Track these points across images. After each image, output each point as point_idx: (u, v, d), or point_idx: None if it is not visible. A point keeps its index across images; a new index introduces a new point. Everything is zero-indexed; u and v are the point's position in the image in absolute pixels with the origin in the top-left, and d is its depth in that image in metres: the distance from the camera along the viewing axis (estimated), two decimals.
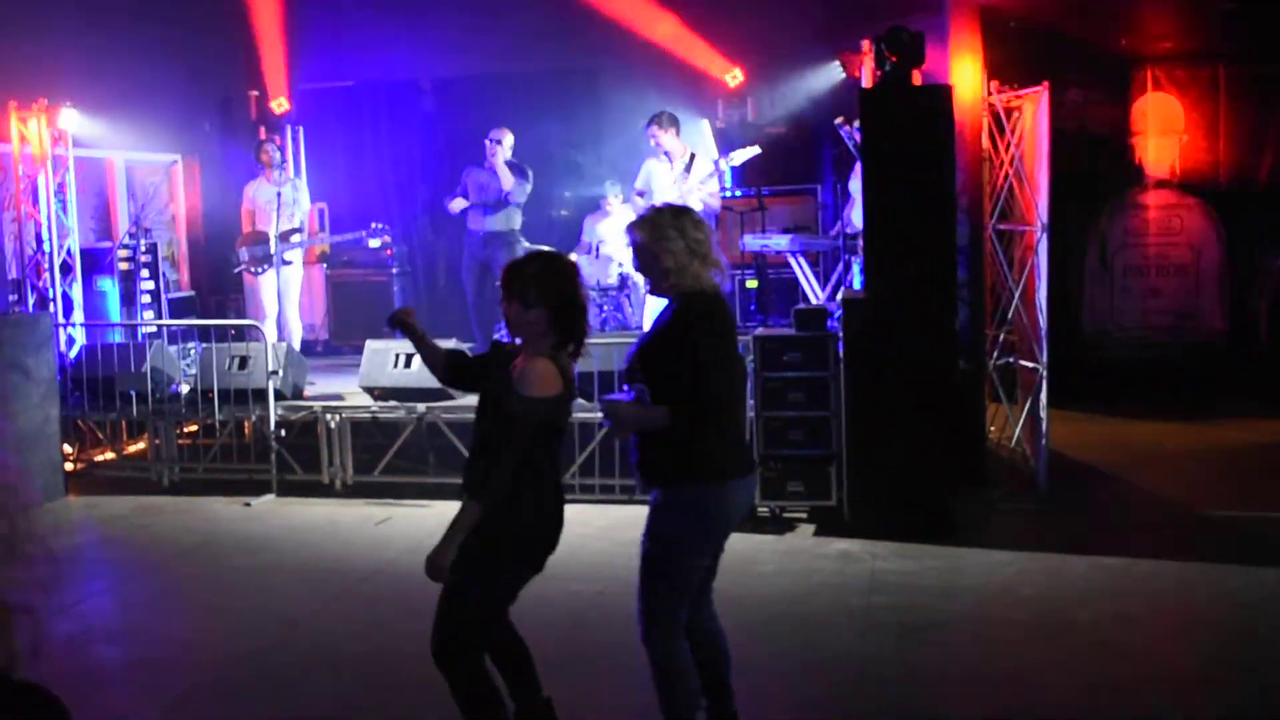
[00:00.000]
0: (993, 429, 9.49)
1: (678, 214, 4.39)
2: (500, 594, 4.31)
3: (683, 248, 4.24)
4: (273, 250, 10.95)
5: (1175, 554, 7.17)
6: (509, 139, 10.84)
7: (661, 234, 4.25)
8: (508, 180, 10.77)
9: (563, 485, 4.44)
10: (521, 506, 4.14)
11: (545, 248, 11.22)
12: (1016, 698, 5.24)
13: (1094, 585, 6.66)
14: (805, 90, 11.93)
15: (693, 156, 10.67)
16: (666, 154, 10.67)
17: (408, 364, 9.36)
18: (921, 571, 6.97)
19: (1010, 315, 9.02)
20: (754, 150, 10.69)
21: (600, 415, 8.63)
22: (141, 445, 10.26)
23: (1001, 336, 9.30)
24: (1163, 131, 11.81)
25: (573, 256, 11.61)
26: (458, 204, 11.08)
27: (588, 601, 6.60)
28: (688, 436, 4.16)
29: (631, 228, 4.35)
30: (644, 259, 4.31)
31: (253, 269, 11.06)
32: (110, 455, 10.25)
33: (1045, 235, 8.50)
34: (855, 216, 9.57)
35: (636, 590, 4.29)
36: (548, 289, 4.17)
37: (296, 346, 10.82)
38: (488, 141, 10.78)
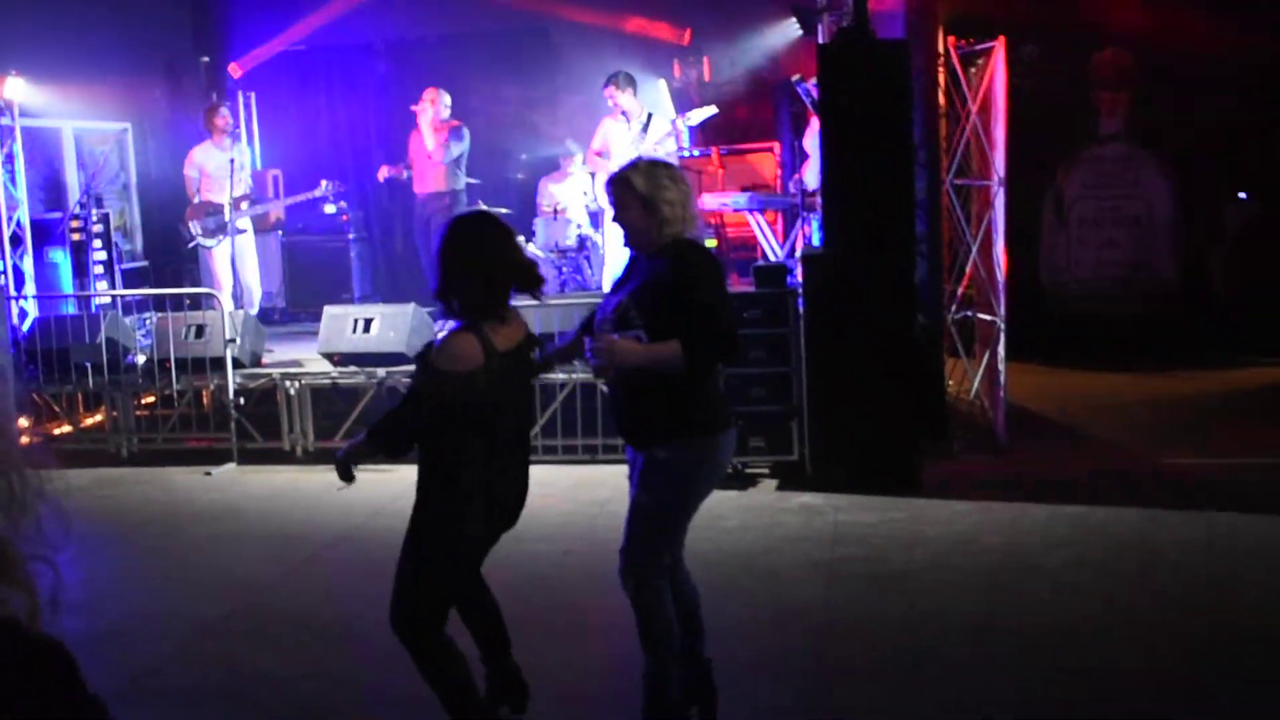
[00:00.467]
0: (951, 383, 9.55)
1: (668, 166, 4.39)
2: (455, 566, 4.25)
3: (678, 197, 4.23)
4: (227, 218, 10.82)
5: (1134, 501, 7.25)
6: (442, 98, 10.88)
7: (658, 183, 4.21)
8: (431, 141, 10.81)
9: (525, 456, 4.36)
10: (464, 485, 4.05)
11: (483, 208, 11.24)
12: (980, 643, 5.30)
13: (1054, 533, 6.74)
14: (762, 47, 11.91)
15: (650, 116, 10.65)
16: (624, 114, 10.64)
17: (366, 329, 9.31)
18: (884, 523, 7.03)
19: (968, 269, 9.06)
20: (711, 110, 10.67)
21: (561, 376, 8.66)
22: (99, 417, 10.16)
23: (960, 291, 9.35)
24: (1118, 86, 11.87)
25: (536, 221, 11.66)
26: (382, 172, 11.30)
27: (553, 562, 6.61)
28: (688, 386, 4.15)
29: (627, 177, 4.27)
30: (638, 209, 4.22)
31: (206, 242, 10.89)
32: (67, 428, 10.14)
33: (1002, 189, 8.54)
34: (811, 174, 9.59)
35: (622, 542, 4.29)
36: (451, 266, 4.09)
37: (255, 314, 10.73)
38: (419, 101, 10.87)
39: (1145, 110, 11.83)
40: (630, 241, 4.39)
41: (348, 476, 4.19)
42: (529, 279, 4.21)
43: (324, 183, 11.32)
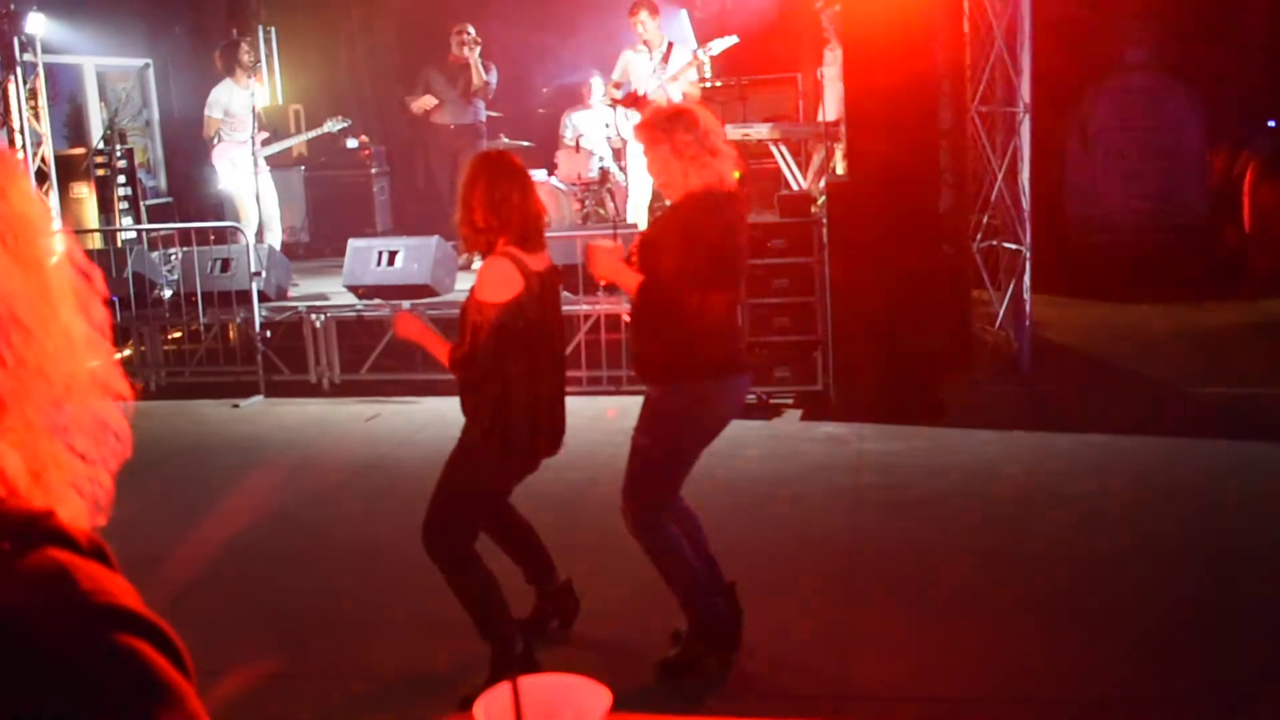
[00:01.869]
0: (977, 314, 9.52)
1: (688, 113, 4.33)
2: (491, 489, 4.37)
3: (694, 146, 4.19)
4: (254, 155, 10.80)
5: (1157, 430, 7.25)
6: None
7: (673, 134, 4.20)
8: (479, 76, 10.80)
9: (562, 380, 4.45)
10: (511, 406, 4.16)
11: (505, 141, 11.23)
12: (1004, 569, 5.32)
13: (1077, 461, 6.75)
14: None
15: (670, 46, 10.56)
16: (645, 44, 10.56)
17: (390, 261, 9.33)
18: (908, 451, 7.05)
19: (994, 198, 9.01)
20: (732, 40, 10.56)
21: (586, 307, 8.69)
22: (127, 352, 10.23)
23: (985, 220, 9.29)
24: (1142, 13, 11.71)
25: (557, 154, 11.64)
26: (423, 102, 11.18)
27: (580, 489, 6.66)
28: (690, 327, 4.17)
29: (644, 128, 4.30)
30: (654, 161, 4.27)
31: (233, 180, 10.88)
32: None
33: (1027, 117, 8.47)
34: (832, 103, 9.51)
35: (623, 481, 4.33)
36: (482, 200, 4.18)
37: (278, 248, 10.76)
38: (457, 35, 10.79)
39: (1173, 39, 11.68)
40: (657, 186, 4.43)
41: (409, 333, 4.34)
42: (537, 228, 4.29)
43: (330, 119, 11.31)
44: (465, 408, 4.28)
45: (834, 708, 4.21)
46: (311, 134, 11.66)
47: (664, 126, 4.21)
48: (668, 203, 4.43)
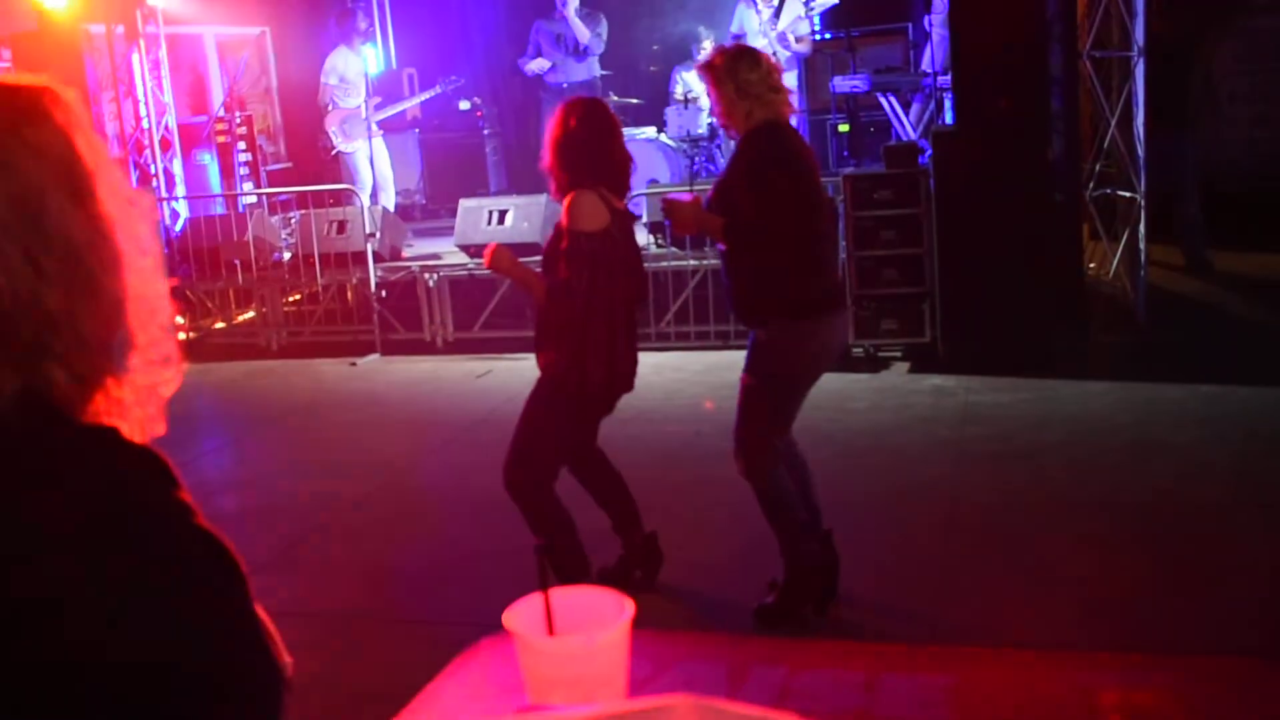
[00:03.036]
0: (1093, 265, 9.35)
1: (750, 52, 4.40)
2: (575, 419, 4.48)
3: (757, 82, 4.26)
4: (366, 119, 11.04)
5: (1276, 381, 7.06)
6: None
7: (735, 71, 4.27)
8: (583, 32, 10.87)
9: (634, 321, 4.53)
10: (591, 339, 4.28)
11: (614, 98, 11.26)
12: (1106, 520, 5.27)
13: (1188, 411, 6.62)
14: None
15: (781, 1, 10.53)
16: (755, 0, 10.55)
17: (501, 220, 9.47)
18: (1015, 403, 6.98)
19: (1108, 145, 8.82)
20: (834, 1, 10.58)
21: (693, 262, 8.74)
22: (250, 313, 10.56)
23: (1099, 168, 9.11)
24: None
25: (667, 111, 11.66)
26: (538, 64, 11.25)
27: (683, 442, 6.73)
28: (784, 267, 4.21)
29: (705, 65, 4.40)
30: (717, 95, 4.34)
31: (348, 147, 11.17)
32: (220, 324, 10.56)
33: (1142, 60, 8.26)
34: (940, 53, 9.39)
35: (734, 423, 4.39)
36: (568, 139, 4.29)
37: (392, 210, 11.01)
38: None
39: None
40: (721, 124, 4.50)
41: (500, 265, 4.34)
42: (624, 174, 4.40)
43: (441, 81, 11.53)
44: (543, 344, 4.38)
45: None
46: (424, 96, 11.87)
47: (728, 66, 4.28)
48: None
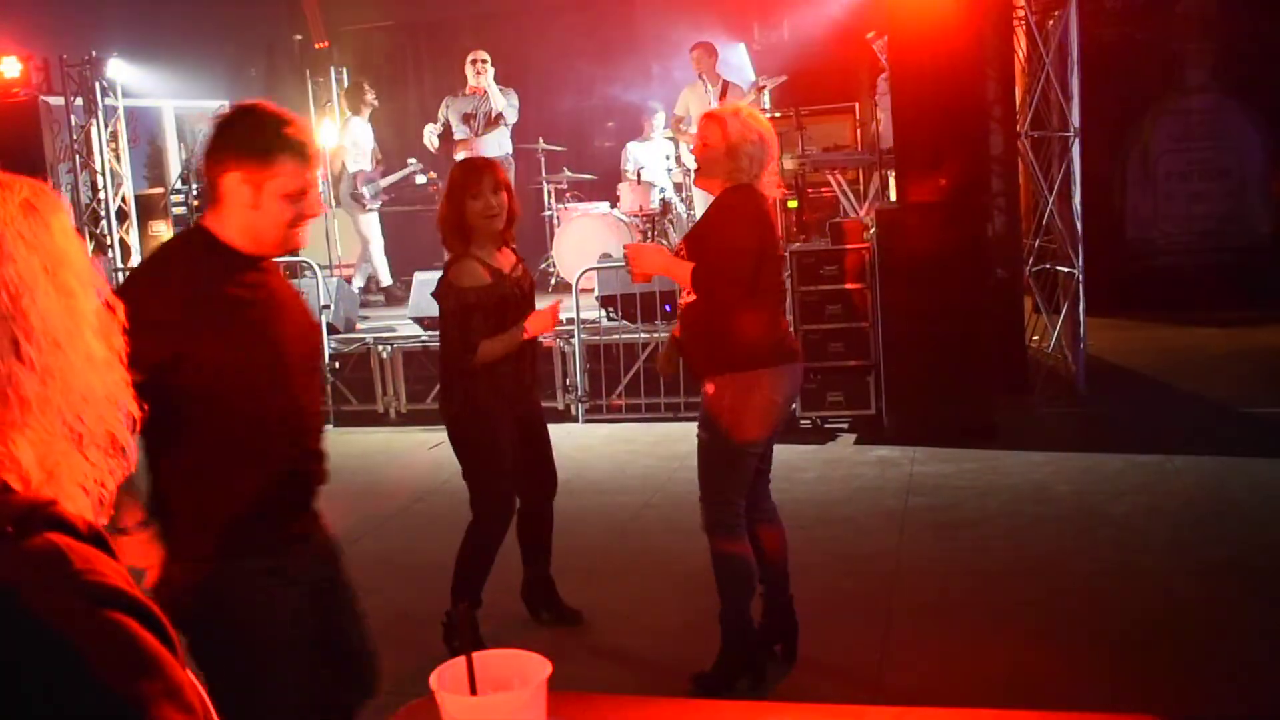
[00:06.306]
0: (1036, 339, 9.57)
1: (753, 113, 4.48)
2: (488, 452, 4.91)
3: (746, 151, 4.32)
4: (380, 185, 11.69)
5: (1212, 450, 7.25)
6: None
7: (735, 126, 4.33)
8: (499, 100, 10.97)
9: (535, 359, 5.08)
10: (487, 382, 4.84)
11: (568, 174, 11.37)
12: (1046, 586, 5.40)
13: (1128, 481, 6.79)
14: (841, 4, 11.92)
15: (725, 85, 10.80)
16: (703, 79, 10.80)
17: None
18: (959, 473, 7.13)
19: (1046, 221, 9.07)
20: (780, 79, 10.85)
21: (644, 335, 8.87)
22: None
23: (1038, 244, 9.35)
24: (1201, 35, 11.70)
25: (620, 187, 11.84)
26: (430, 130, 11.33)
27: (633, 514, 6.82)
28: (734, 321, 4.29)
29: (712, 115, 4.43)
30: (703, 148, 4.40)
31: (373, 206, 11.69)
32: None
33: (1078, 140, 8.54)
34: (888, 131, 9.63)
35: (698, 482, 4.47)
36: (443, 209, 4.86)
37: (388, 282, 11.52)
38: (473, 63, 10.97)
39: (1233, 59, 11.65)
40: (697, 178, 4.61)
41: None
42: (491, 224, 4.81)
43: (409, 161, 11.80)
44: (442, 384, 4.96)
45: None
46: (399, 175, 12.10)
47: (734, 114, 4.37)
48: None
